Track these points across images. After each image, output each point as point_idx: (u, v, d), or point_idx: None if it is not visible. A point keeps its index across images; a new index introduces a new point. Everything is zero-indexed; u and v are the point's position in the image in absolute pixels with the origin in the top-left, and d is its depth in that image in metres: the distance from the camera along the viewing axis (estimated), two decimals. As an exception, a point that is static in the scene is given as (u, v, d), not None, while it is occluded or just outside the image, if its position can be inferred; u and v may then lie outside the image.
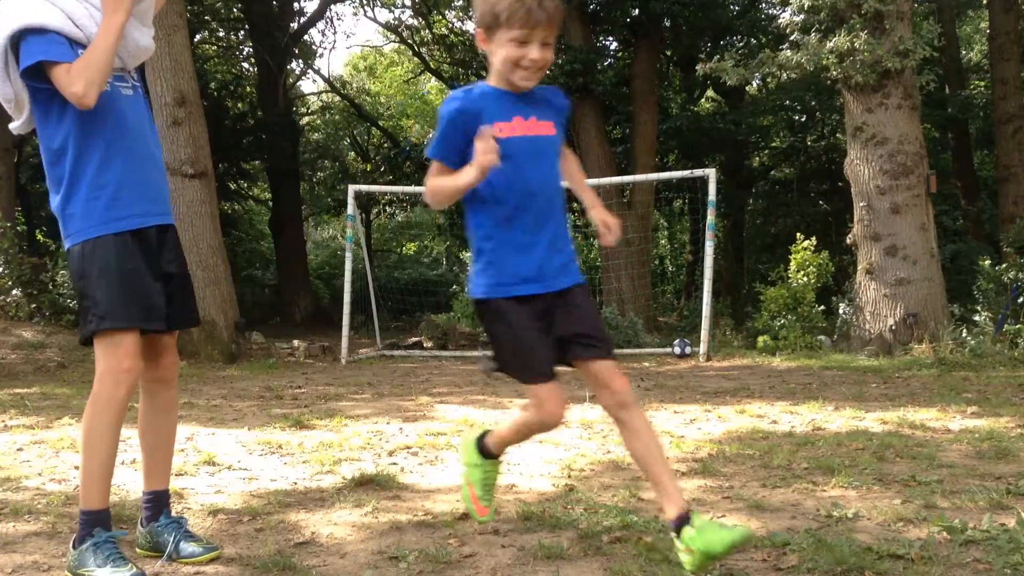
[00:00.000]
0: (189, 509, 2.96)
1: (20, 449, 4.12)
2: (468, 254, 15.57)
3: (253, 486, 3.33)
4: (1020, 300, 9.27)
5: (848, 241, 9.66)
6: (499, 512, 2.86)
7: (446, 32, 22.46)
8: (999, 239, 12.37)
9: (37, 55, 2.22)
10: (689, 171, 11.24)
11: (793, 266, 10.54)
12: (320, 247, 27.61)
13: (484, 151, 2.01)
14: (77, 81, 2.20)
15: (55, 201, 2.38)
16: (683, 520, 2.06)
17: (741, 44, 18.68)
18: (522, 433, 2.35)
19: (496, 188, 2.13)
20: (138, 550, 2.51)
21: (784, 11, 10.41)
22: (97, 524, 2.33)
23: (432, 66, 23.09)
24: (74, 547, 2.34)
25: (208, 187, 9.91)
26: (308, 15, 21.34)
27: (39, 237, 16.53)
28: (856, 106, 9.28)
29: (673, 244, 24.86)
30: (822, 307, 10.43)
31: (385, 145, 24.08)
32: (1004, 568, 2.17)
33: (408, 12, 22.33)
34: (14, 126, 2.42)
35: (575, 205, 17.93)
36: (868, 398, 5.62)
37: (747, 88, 19.00)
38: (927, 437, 4.11)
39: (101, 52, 2.24)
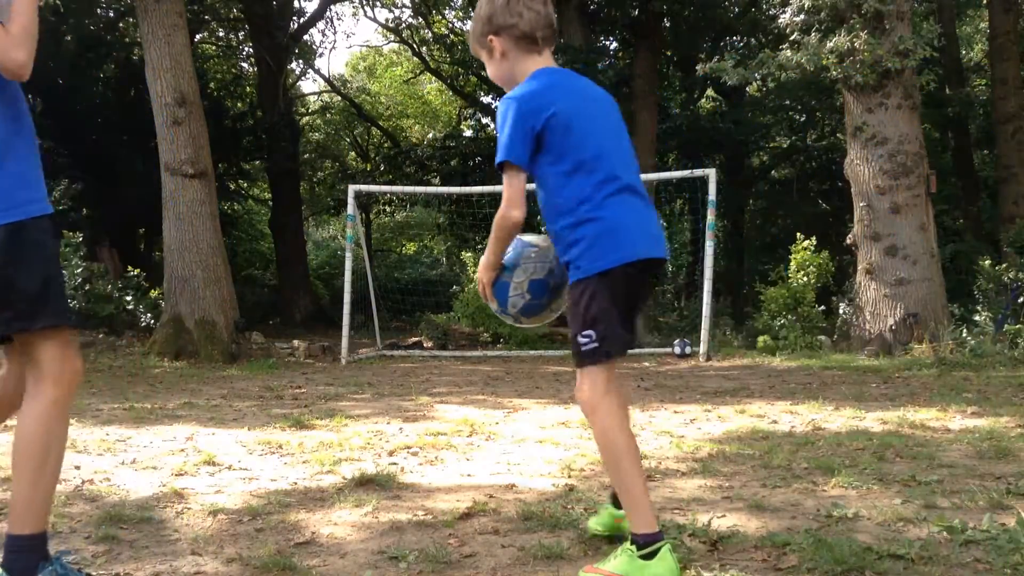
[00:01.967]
0: (189, 509, 2.96)
1: (20, 449, 4.11)
2: (468, 254, 15.59)
3: (253, 486, 3.33)
4: (1020, 300, 9.27)
5: (848, 241, 9.66)
6: (499, 512, 2.86)
7: (446, 32, 22.47)
8: (999, 239, 12.37)
9: None
10: (689, 171, 11.25)
11: (793, 266, 10.54)
12: (320, 247, 27.61)
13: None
14: (19, 48, 1.80)
15: None
16: None
17: (741, 44, 18.68)
18: None
19: None
20: None
21: (784, 11, 10.41)
22: (42, 548, 2.02)
23: (432, 66, 23.10)
24: None
25: (208, 187, 9.91)
26: (308, 15, 21.36)
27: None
28: (856, 106, 9.28)
29: (673, 244, 24.84)
30: (822, 307, 10.44)
31: (385, 145, 24.09)
32: (1004, 568, 2.17)
33: (408, 12, 22.35)
34: None
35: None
36: (868, 398, 5.62)
37: (747, 88, 19.01)
38: (927, 437, 4.11)
39: (31, 15, 1.83)
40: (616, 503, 2.33)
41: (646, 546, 2.05)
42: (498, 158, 2.16)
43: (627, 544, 2.09)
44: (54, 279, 1.99)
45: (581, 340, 2.13)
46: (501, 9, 2.20)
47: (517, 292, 2.33)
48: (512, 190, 2.17)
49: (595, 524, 2.46)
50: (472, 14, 2.57)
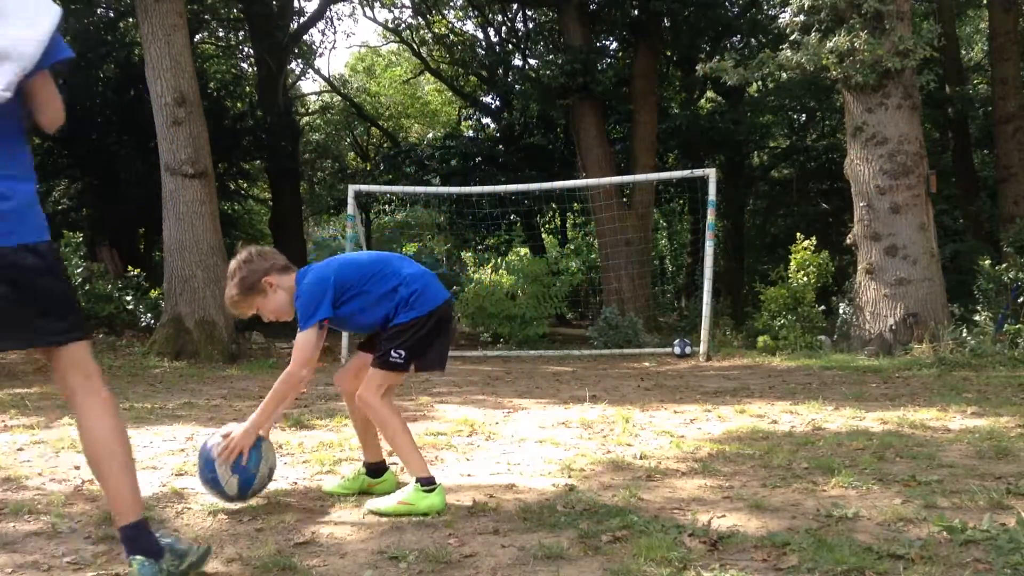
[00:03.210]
0: (189, 509, 2.96)
1: (20, 449, 4.12)
2: (468, 254, 15.57)
3: (253, 486, 3.33)
4: (1020, 300, 9.27)
5: (848, 241, 9.66)
6: (499, 512, 2.86)
7: (446, 32, 22.47)
8: (999, 239, 12.37)
9: (68, 51, 2.08)
10: (689, 171, 11.25)
11: (793, 266, 10.54)
12: (320, 247, 27.61)
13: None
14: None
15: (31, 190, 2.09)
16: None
17: (741, 44, 18.68)
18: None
19: None
20: None
21: (784, 11, 10.41)
22: (147, 528, 2.22)
23: (432, 66, 23.09)
24: None
25: (208, 187, 9.90)
26: (308, 15, 21.36)
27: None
28: (856, 106, 9.28)
29: (673, 244, 24.88)
30: (822, 307, 10.43)
31: (385, 145, 24.10)
32: (1004, 568, 2.18)
33: (408, 12, 22.35)
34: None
35: (576, 205, 18.00)
36: (868, 398, 5.62)
37: (747, 88, 19.01)
38: (927, 437, 4.11)
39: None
40: (372, 474, 3.18)
41: (427, 484, 2.90)
42: (308, 323, 2.83)
43: (415, 484, 2.90)
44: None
45: (393, 355, 2.91)
46: (258, 261, 2.94)
47: (260, 483, 2.94)
48: (308, 351, 2.82)
49: (339, 488, 3.17)
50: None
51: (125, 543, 2.14)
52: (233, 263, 2.96)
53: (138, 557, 2.11)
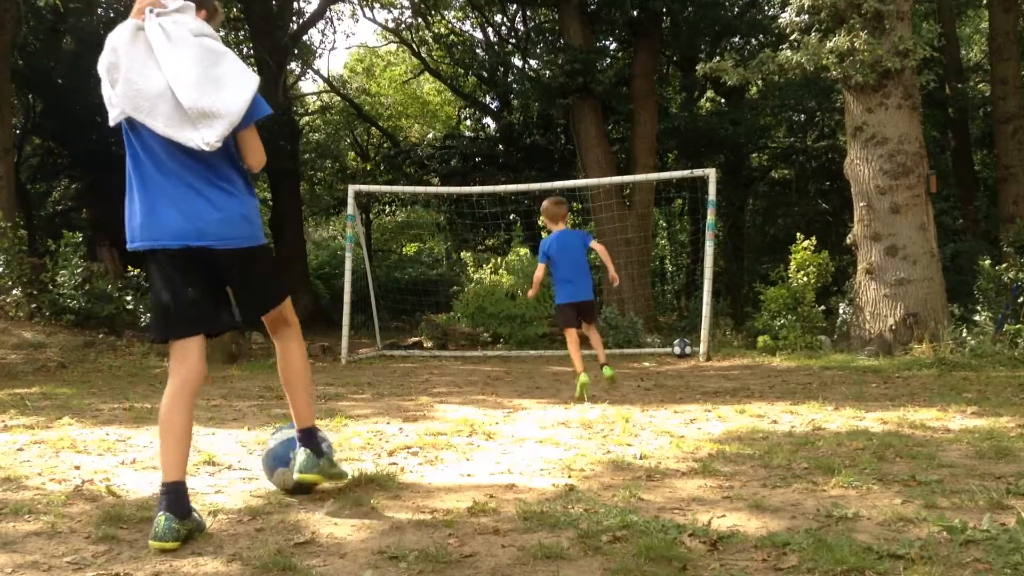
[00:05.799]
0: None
1: (20, 449, 4.12)
2: (467, 254, 15.56)
3: (253, 486, 3.33)
4: (1020, 300, 9.27)
5: (848, 241, 9.66)
6: (499, 512, 2.86)
7: (445, 32, 22.47)
8: (999, 239, 12.37)
9: (268, 108, 2.80)
10: (689, 171, 11.24)
11: (793, 266, 10.54)
12: (320, 247, 27.60)
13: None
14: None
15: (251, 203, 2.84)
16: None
17: (741, 44, 18.67)
18: None
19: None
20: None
21: (784, 11, 10.41)
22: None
23: (431, 66, 23.09)
24: None
25: (208, 187, 9.89)
26: (308, 15, 21.36)
27: (38, 239, 16.53)
28: (856, 106, 9.28)
29: (673, 244, 24.86)
30: (822, 307, 10.42)
31: (385, 145, 24.10)
32: (1004, 568, 2.18)
33: (408, 12, 22.35)
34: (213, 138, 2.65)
35: (576, 205, 17.99)
36: (868, 398, 5.62)
37: (747, 88, 19.00)
38: (927, 437, 4.12)
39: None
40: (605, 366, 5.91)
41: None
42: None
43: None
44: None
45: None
46: (563, 206, 6.11)
47: (266, 459, 3.22)
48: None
49: (608, 372, 6.09)
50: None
51: (301, 440, 3.07)
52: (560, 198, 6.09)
53: (302, 450, 3.03)
